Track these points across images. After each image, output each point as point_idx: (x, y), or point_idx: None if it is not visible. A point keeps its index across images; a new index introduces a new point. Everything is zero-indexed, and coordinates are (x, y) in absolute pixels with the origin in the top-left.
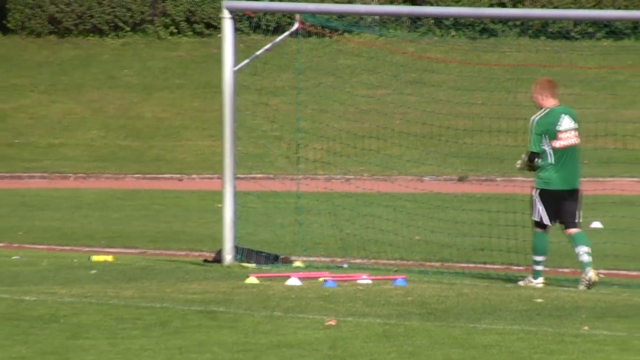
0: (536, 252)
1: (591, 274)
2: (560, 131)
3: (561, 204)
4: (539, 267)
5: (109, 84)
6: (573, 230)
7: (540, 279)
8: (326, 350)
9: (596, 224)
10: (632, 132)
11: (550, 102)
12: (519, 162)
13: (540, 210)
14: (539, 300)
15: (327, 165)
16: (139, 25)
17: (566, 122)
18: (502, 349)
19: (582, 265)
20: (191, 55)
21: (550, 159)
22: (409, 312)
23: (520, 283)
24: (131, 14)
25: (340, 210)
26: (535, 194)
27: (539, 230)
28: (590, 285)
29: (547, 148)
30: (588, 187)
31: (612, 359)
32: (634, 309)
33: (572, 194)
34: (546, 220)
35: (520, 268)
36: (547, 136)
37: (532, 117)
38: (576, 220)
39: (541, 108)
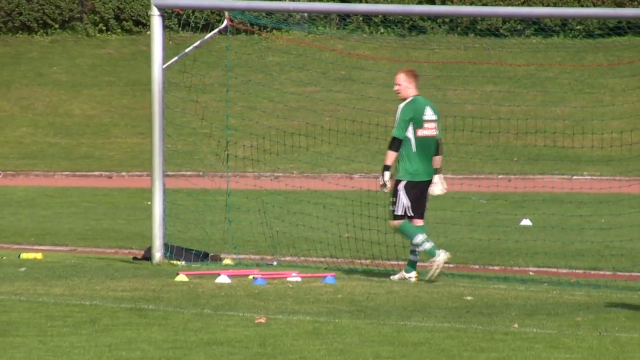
0: (414, 236)
1: (444, 256)
2: (425, 120)
3: (422, 195)
4: (429, 245)
5: (38, 81)
6: (421, 222)
7: (443, 254)
8: (256, 348)
9: (526, 222)
10: (562, 130)
11: (414, 92)
12: (383, 180)
13: (405, 203)
14: (469, 297)
15: (256, 162)
16: (68, 22)
17: (429, 113)
18: (432, 347)
19: (430, 252)
20: (120, 52)
21: (413, 148)
22: (339, 310)
23: (394, 277)
24: (60, 12)
25: (269, 207)
26: (401, 187)
27: (400, 221)
28: (438, 270)
29: (411, 136)
30: (518, 184)
31: (542, 357)
32: (563, 306)
33: (428, 185)
34: (411, 212)
35: (450, 266)
36: (413, 124)
37: (400, 105)
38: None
39: (404, 98)
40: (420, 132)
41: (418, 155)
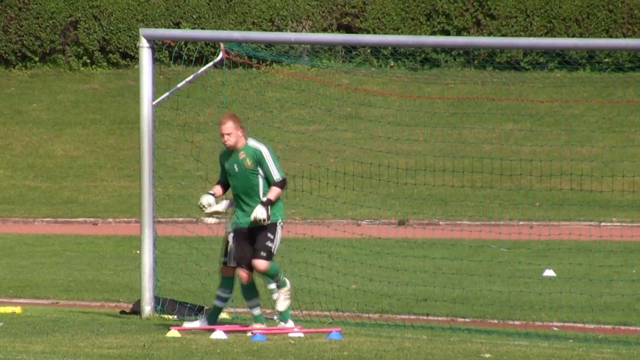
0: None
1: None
2: None
3: None
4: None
5: (16, 119)
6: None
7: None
8: None
9: (549, 272)
10: (589, 172)
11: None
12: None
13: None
14: (487, 355)
15: None
16: (49, 55)
17: None
18: None
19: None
20: (106, 87)
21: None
22: None
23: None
24: (40, 43)
25: None
26: (280, 225)
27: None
28: None
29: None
30: (541, 231)
31: None
32: None
33: None
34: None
35: (467, 320)
36: None
37: (263, 148)
38: None
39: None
40: None
41: None
